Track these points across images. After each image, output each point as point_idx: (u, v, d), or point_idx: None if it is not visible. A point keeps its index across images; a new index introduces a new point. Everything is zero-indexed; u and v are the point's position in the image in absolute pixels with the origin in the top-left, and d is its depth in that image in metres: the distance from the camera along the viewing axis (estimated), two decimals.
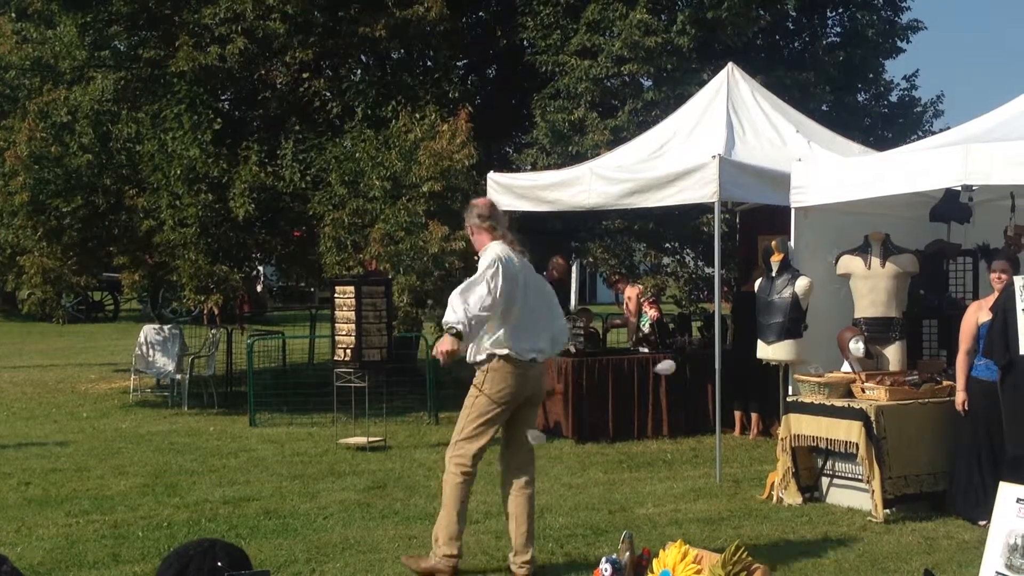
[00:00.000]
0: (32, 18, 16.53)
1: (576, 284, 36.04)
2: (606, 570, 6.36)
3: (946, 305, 10.41)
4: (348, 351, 11.74)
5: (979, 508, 8.05)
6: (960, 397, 8.42)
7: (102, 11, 15.59)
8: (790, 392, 9.65)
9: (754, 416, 12.34)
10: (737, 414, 12.51)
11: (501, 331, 6.84)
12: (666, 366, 9.26)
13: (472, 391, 6.98)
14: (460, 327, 6.61)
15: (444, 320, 6.76)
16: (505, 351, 6.83)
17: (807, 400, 9.00)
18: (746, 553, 5.35)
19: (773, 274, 10.13)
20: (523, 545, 6.99)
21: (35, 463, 10.68)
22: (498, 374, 6.86)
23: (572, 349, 12.45)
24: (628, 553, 6.39)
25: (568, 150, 14.56)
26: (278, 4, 14.29)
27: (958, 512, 8.40)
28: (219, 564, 2.94)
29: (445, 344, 6.65)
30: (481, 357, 6.89)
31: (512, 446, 7.14)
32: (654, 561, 6.11)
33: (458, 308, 6.64)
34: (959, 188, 9.01)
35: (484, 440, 6.96)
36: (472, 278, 6.78)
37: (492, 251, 6.86)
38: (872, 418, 8.43)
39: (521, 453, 7.14)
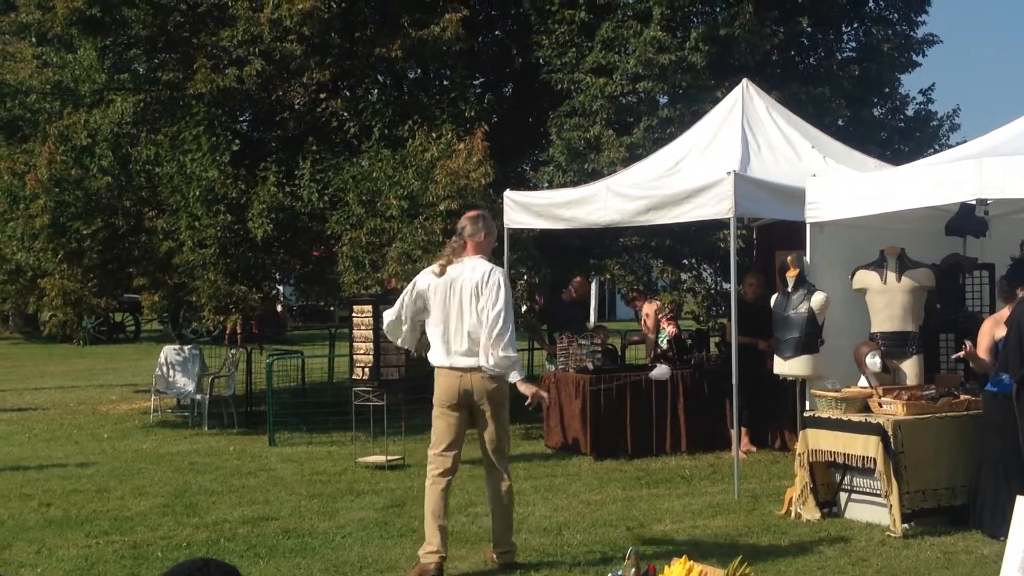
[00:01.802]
0: (52, 43, 16.67)
1: (595, 301, 36.06)
2: None
3: (963, 319, 10.38)
4: (366, 370, 11.77)
5: (1003, 523, 7.99)
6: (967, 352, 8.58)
7: (121, 35, 15.73)
8: (807, 407, 9.64)
9: (744, 430, 12.13)
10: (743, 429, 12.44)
11: (430, 341, 7.57)
12: (661, 371, 9.24)
13: None
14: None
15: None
16: (432, 361, 7.55)
17: (824, 415, 9.00)
18: (749, 567, 5.36)
19: (789, 289, 10.13)
20: (501, 535, 7.52)
21: (56, 484, 10.75)
22: (436, 380, 7.53)
23: (590, 366, 12.47)
24: (633, 570, 6.38)
25: (584, 167, 14.58)
26: (295, 26, 14.39)
27: (981, 527, 8.35)
28: None
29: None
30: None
31: (481, 447, 7.63)
32: None
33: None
34: (974, 202, 9.00)
35: (444, 443, 7.50)
36: None
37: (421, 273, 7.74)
38: (889, 433, 8.42)
39: (488, 452, 7.58)
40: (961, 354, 8.62)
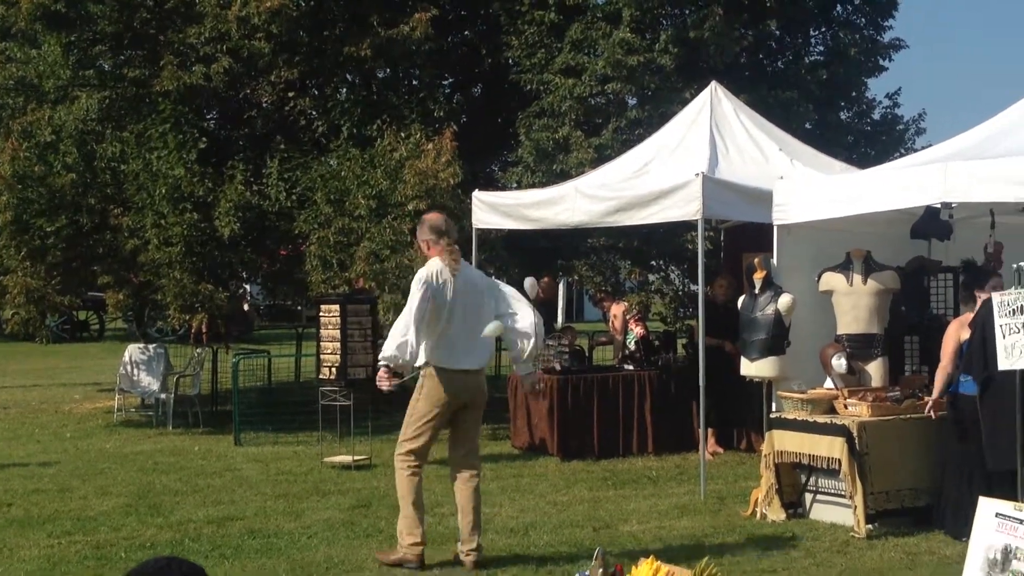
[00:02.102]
0: (16, 38, 16.54)
1: (563, 302, 36.03)
2: None
3: (927, 321, 10.45)
4: (333, 369, 11.74)
5: (967, 525, 8.04)
6: (934, 405, 8.65)
7: (86, 31, 15.62)
8: (773, 408, 9.68)
9: (710, 431, 12.12)
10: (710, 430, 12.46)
11: (433, 343, 7.48)
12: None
13: (414, 395, 7.63)
14: (390, 361, 7.42)
15: (380, 355, 7.55)
16: (435, 361, 7.48)
17: (790, 416, 9.04)
18: (715, 568, 5.37)
19: (756, 291, 10.17)
20: (469, 533, 7.56)
21: (17, 484, 10.64)
22: (433, 381, 7.50)
23: (557, 366, 12.47)
24: (601, 570, 6.38)
25: (553, 168, 14.61)
26: (263, 24, 14.32)
27: (944, 528, 8.41)
28: None
29: (382, 381, 7.49)
30: (419, 363, 7.51)
31: (456, 445, 7.73)
32: None
33: (390, 339, 7.48)
34: (939, 205, 9.07)
35: (425, 440, 7.58)
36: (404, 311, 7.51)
37: (423, 271, 7.52)
38: (855, 434, 8.47)
39: (463, 450, 7.71)
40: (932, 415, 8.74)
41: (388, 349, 7.44)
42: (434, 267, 7.51)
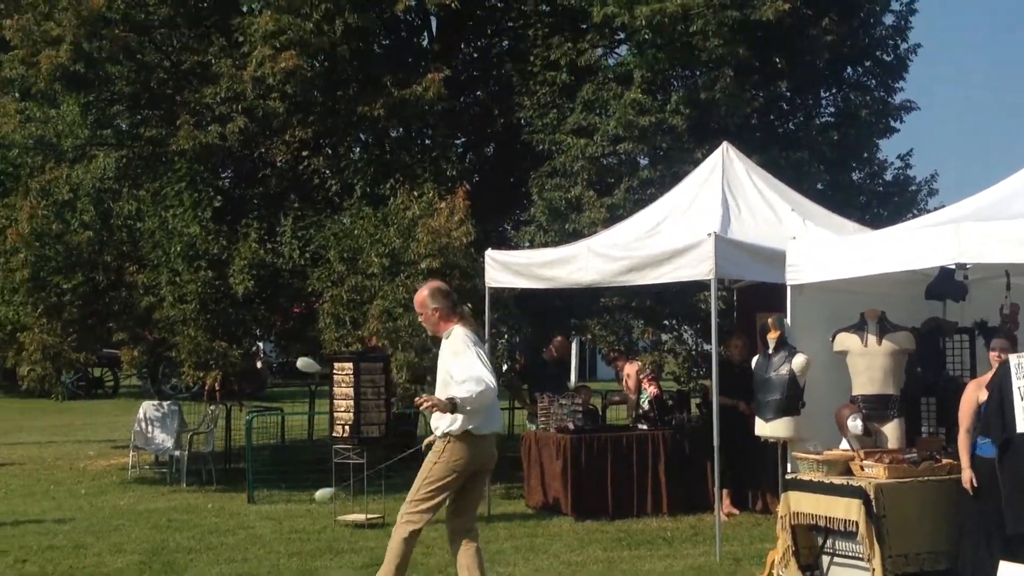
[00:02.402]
0: (35, 98, 16.71)
1: (576, 361, 36.03)
2: None
3: (944, 382, 10.42)
4: (347, 427, 11.75)
5: None
6: (966, 475, 8.36)
7: (104, 91, 15.81)
8: (789, 469, 9.64)
9: (725, 492, 12.06)
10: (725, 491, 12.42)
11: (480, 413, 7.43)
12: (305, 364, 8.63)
13: (431, 457, 7.58)
14: (460, 403, 7.29)
15: (461, 397, 7.31)
16: (471, 426, 7.42)
17: (806, 478, 9.00)
18: None
19: (770, 351, 10.17)
20: None
21: (32, 540, 10.64)
22: (458, 446, 7.46)
23: (571, 426, 12.46)
24: None
25: (565, 228, 14.65)
26: (278, 84, 14.48)
27: None
28: None
29: (440, 406, 7.34)
30: (448, 428, 7.46)
31: (460, 510, 7.72)
32: None
33: (472, 388, 7.27)
34: (954, 266, 9.09)
35: (435, 502, 7.59)
36: (468, 362, 7.38)
37: (464, 333, 7.55)
38: (871, 496, 8.42)
39: (468, 515, 7.73)
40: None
41: (469, 394, 7.28)
42: (470, 337, 7.55)
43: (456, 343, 7.48)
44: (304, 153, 15.83)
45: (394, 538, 7.64)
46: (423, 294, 7.77)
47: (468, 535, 7.64)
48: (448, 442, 7.49)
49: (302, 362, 12.85)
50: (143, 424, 15.12)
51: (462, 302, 12.39)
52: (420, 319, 7.92)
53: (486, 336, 12.52)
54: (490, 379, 7.34)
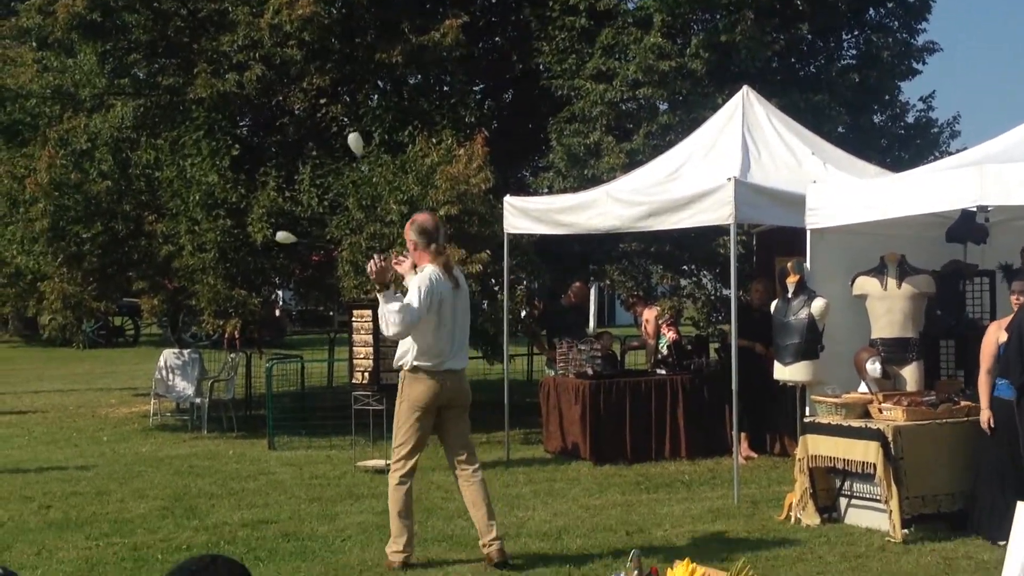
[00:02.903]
0: (53, 47, 16.70)
1: (595, 307, 36.06)
2: None
3: (963, 326, 10.39)
4: (366, 374, 11.78)
5: (1003, 528, 7.99)
6: (985, 415, 8.38)
7: (122, 40, 15.79)
8: (807, 413, 9.64)
9: (743, 435, 12.03)
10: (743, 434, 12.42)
11: (417, 344, 7.57)
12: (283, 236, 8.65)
13: (397, 399, 7.77)
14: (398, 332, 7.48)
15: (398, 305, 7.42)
16: (419, 363, 7.58)
17: (824, 421, 9.01)
18: (751, 570, 5.35)
19: (789, 295, 10.14)
20: (487, 526, 7.66)
21: (56, 487, 10.74)
22: (412, 380, 7.63)
23: (590, 371, 12.47)
24: (636, 572, 6.38)
25: (584, 173, 14.61)
26: (295, 31, 14.41)
27: (980, 532, 8.36)
28: None
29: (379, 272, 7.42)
30: (399, 362, 7.70)
31: (449, 446, 7.89)
32: None
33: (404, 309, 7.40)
34: (975, 209, 9.01)
35: (411, 445, 7.68)
36: (412, 290, 7.52)
37: (424, 273, 7.57)
38: (890, 438, 8.43)
39: (459, 449, 7.83)
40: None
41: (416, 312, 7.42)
42: (431, 273, 7.58)
43: (420, 277, 7.57)
44: (322, 101, 15.79)
45: (388, 488, 7.80)
46: (408, 224, 7.88)
47: (465, 468, 7.76)
48: (404, 378, 7.69)
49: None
50: (164, 372, 15.22)
51: (480, 249, 12.48)
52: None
53: (505, 282, 12.56)
54: (416, 310, 7.36)
